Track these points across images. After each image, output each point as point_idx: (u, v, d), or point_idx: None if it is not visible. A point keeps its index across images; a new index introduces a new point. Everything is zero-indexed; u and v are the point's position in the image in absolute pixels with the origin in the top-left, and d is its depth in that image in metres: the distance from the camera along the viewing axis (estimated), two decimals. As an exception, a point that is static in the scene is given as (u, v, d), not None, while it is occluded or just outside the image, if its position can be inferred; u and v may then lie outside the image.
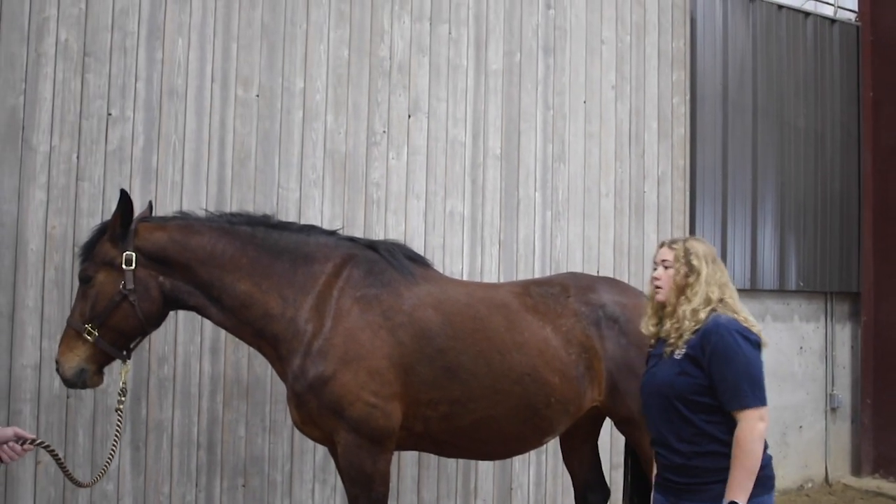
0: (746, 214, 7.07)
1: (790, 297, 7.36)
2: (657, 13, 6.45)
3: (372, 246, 3.87)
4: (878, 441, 7.77)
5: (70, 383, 3.43)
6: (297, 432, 4.62)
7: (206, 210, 3.82)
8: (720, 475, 2.88)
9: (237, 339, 4.58)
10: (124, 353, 3.54)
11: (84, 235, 4.27)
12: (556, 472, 5.61)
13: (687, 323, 2.99)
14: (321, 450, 4.81)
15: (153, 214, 3.77)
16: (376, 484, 3.55)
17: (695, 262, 3.06)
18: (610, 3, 6.21)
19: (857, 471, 7.74)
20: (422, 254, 4.85)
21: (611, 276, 5.85)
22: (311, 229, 3.83)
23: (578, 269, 5.81)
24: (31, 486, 4.16)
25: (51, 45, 4.29)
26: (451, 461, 5.26)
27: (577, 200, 5.97)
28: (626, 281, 5.88)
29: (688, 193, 6.57)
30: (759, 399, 2.86)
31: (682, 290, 3.05)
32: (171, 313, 3.78)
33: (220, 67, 4.73)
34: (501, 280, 5.52)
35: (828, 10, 8.02)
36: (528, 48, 5.83)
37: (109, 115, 4.42)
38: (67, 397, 4.24)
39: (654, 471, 3.24)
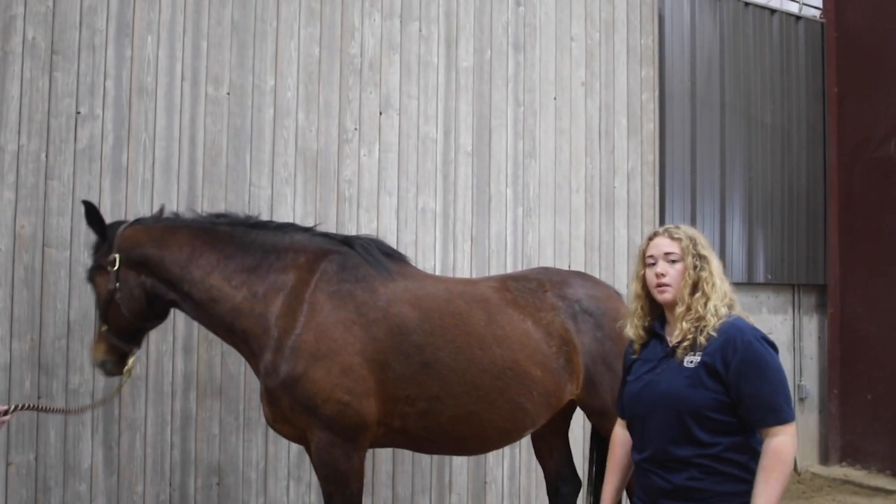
0: (715, 209, 7.17)
1: (758, 289, 7.48)
2: (626, 10, 6.51)
3: (347, 242, 3.87)
4: (844, 430, 7.92)
5: (101, 372, 3.86)
6: (271, 430, 4.62)
7: (194, 211, 3.92)
8: (731, 500, 2.58)
9: (210, 338, 4.59)
10: (133, 346, 3.82)
11: (54, 235, 4.28)
12: (530, 466, 5.66)
13: (712, 321, 2.64)
14: (295, 447, 4.82)
15: (162, 216, 3.92)
16: (351, 481, 3.55)
17: (704, 253, 2.74)
18: (579, 0, 6.26)
19: (824, 459, 7.87)
20: (394, 250, 4.89)
21: (582, 270, 5.91)
22: (288, 227, 3.85)
23: (550, 264, 5.86)
24: (3, 487, 4.13)
25: (18, 43, 4.26)
26: (426, 456, 5.29)
27: (548, 196, 6.02)
28: (596, 275, 5.95)
29: (657, 188, 6.65)
30: (791, 413, 2.59)
31: (695, 285, 2.70)
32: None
33: (191, 65, 4.72)
34: (474, 276, 5.56)
35: (793, 7, 8.14)
36: (498, 45, 5.86)
37: (78, 113, 4.39)
38: (38, 397, 4.21)
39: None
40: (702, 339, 2.62)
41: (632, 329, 2.87)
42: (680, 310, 2.70)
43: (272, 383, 3.51)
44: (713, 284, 2.69)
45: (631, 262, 6.39)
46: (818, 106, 8.08)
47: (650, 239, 2.83)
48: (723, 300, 2.69)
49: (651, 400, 2.71)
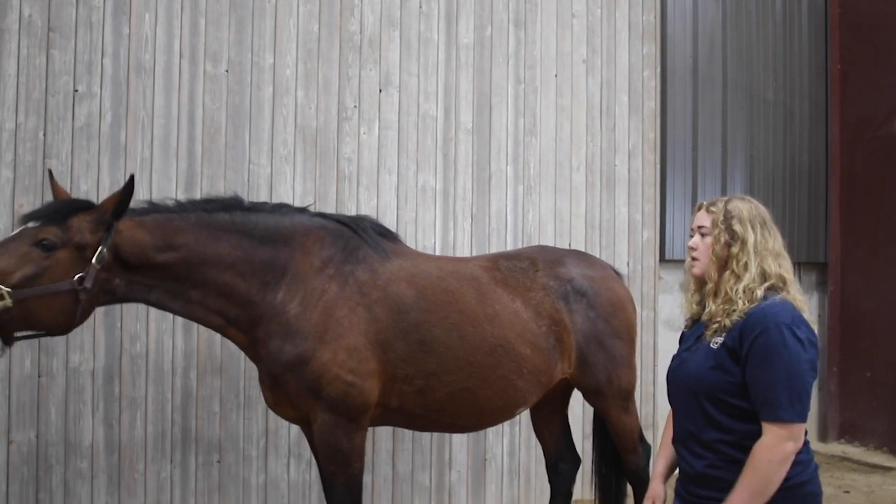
0: (716, 187, 7.14)
1: (759, 268, 7.48)
2: (628, -14, 6.45)
3: (342, 222, 3.86)
4: (843, 408, 7.96)
5: None
6: (271, 408, 4.64)
7: (175, 200, 3.57)
8: None
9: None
10: (10, 338, 3.06)
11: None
12: (530, 443, 5.69)
13: (741, 303, 2.48)
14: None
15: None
16: (353, 460, 3.55)
17: (737, 228, 2.55)
18: (581, -25, 6.21)
19: (823, 436, 7.92)
20: (394, 229, 4.88)
21: (582, 249, 5.91)
22: (283, 208, 3.76)
23: (550, 243, 5.86)
24: (4, 465, 4.16)
25: (14, 20, 4.22)
26: (426, 434, 5.31)
27: (548, 174, 6.00)
28: (597, 254, 5.94)
29: (658, 166, 6.62)
30: (795, 413, 2.35)
31: (724, 262, 2.57)
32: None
33: (189, 43, 4.68)
34: (474, 254, 5.55)
35: (797, -17, 8.08)
36: (498, 21, 5.81)
37: (76, 91, 4.37)
38: (39, 377, 4.23)
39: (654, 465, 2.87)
40: (727, 322, 2.49)
41: (686, 304, 2.78)
42: (708, 287, 2.60)
43: (278, 367, 3.48)
44: (745, 263, 2.52)
45: (631, 241, 6.39)
46: (821, 83, 8.04)
47: (695, 211, 2.73)
48: (759, 281, 2.51)
49: (680, 379, 2.64)
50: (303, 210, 3.81)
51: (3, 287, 2.87)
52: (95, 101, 4.42)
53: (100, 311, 4.37)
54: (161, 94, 4.59)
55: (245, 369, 4.75)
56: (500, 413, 4.01)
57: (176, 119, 4.63)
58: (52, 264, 3.03)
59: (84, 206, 3.19)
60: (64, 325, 3.11)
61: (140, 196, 4.38)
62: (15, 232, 3.09)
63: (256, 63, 4.88)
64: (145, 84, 4.55)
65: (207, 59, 4.73)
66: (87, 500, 4.32)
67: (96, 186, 4.35)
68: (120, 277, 3.24)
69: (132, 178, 3.17)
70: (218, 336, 4.65)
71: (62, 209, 3.12)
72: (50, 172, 3.47)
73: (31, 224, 3.08)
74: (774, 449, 2.33)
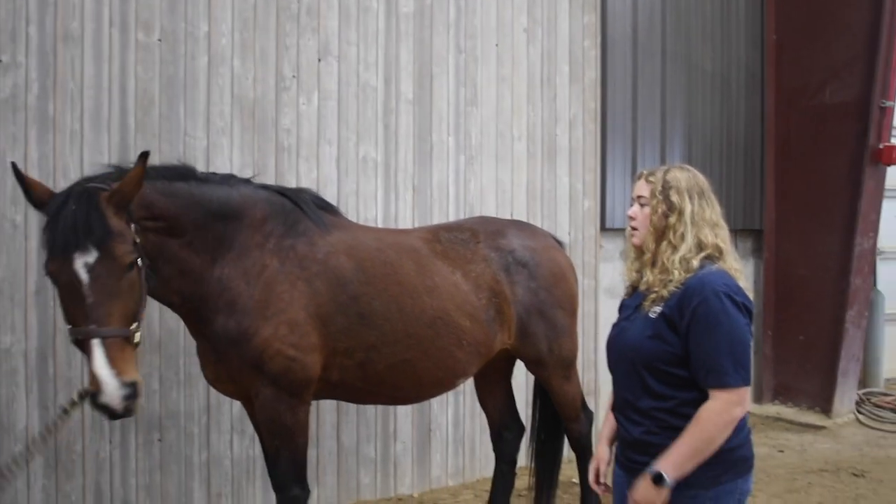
0: (656, 156, 7.22)
1: (697, 235, 7.61)
2: (568, -45, 6.43)
3: (283, 194, 3.79)
4: (777, 370, 8.20)
5: (138, 405, 2.94)
6: (212, 384, 4.57)
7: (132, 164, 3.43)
8: None
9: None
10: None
11: (-22, 189, 4.07)
12: (474, 413, 5.73)
13: (677, 274, 2.49)
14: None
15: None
16: (297, 435, 3.55)
17: (675, 198, 2.55)
18: (521, -56, 6.15)
19: (758, 398, 8.16)
20: (335, 201, 4.83)
21: (524, 219, 5.93)
22: (231, 179, 3.66)
23: (492, 213, 5.86)
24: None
25: (-70, -14, 4.02)
26: (371, 406, 5.31)
27: (489, 144, 5.99)
28: (538, 224, 5.97)
29: (599, 136, 6.66)
30: (740, 378, 2.39)
31: (661, 233, 2.57)
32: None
33: (119, 10, 4.52)
34: (416, 226, 5.52)
35: (734, -47, 8.15)
36: (439, -10, 5.75)
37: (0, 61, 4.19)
38: (-32, 357, 4.09)
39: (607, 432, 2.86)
40: (665, 293, 2.50)
41: (626, 273, 2.77)
42: (645, 257, 2.61)
43: (220, 343, 3.43)
44: (681, 234, 2.52)
45: (572, 210, 6.44)
46: (757, 53, 8.17)
47: (635, 180, 2.72)
48: (695, 252, 2.52)
49: (618, 348, 2.67)
50: (247, 181, 3.73)
51: (132, 327, 2.92)
52: (21, 72, 4.24)
53: (31, 290, 4.24)
54: (91, 64, 4.43)
55: (184, 346, 4.67)
56: (440, 384, 4.03)
57: (107, 90, 4.48)
58: (136, 272, 2.98)
59: (96, 205, 2.89)
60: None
61: (71, 173, 4.26)
62: (82, 269, 2.80)
63: (190, 32, 4.74)
64: (73, 53, 4.38)
65: (139, 27, 4.58)
66: (23, 483, 4.22)
67: (24, 160, 4.18)
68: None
69: (145, 155, 3.00)
70: (156, 313, 4.56)
71: (99, 219, 2.86)
72: (14, 166, 2.99)
73: (85, 257, 2.81)
74: (722, 413, 2.37)
